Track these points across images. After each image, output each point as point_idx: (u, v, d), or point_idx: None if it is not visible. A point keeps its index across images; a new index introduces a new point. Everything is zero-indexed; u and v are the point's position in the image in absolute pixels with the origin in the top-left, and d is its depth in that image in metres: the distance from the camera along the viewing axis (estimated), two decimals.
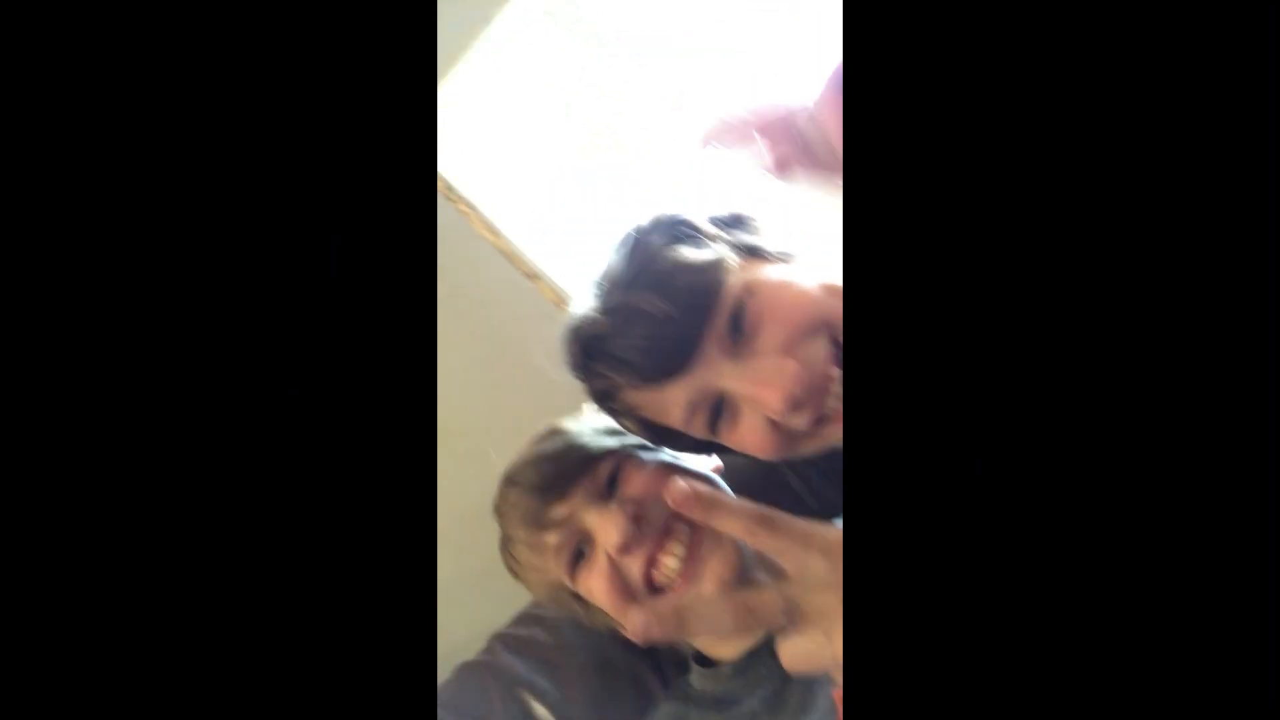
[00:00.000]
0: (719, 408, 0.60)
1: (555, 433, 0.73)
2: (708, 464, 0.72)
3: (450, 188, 1.11)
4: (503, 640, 0.88)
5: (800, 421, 0.58)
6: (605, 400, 0.65)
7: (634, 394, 0.61)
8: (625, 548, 0.63)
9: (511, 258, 1.09)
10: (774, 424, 0.58)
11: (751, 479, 0.72)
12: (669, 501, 0.45)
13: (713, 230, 0.62)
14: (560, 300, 1.07)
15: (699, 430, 0.61)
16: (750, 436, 0.60)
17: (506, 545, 0.73)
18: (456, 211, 1.11)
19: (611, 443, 0.69)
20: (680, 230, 0.62)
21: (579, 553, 0.67)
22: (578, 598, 0.70)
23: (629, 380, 0.60)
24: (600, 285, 0.63)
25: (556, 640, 0.85)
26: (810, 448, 0.61)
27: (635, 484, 0.66)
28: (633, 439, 0.69)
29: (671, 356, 0.58)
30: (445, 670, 0.89)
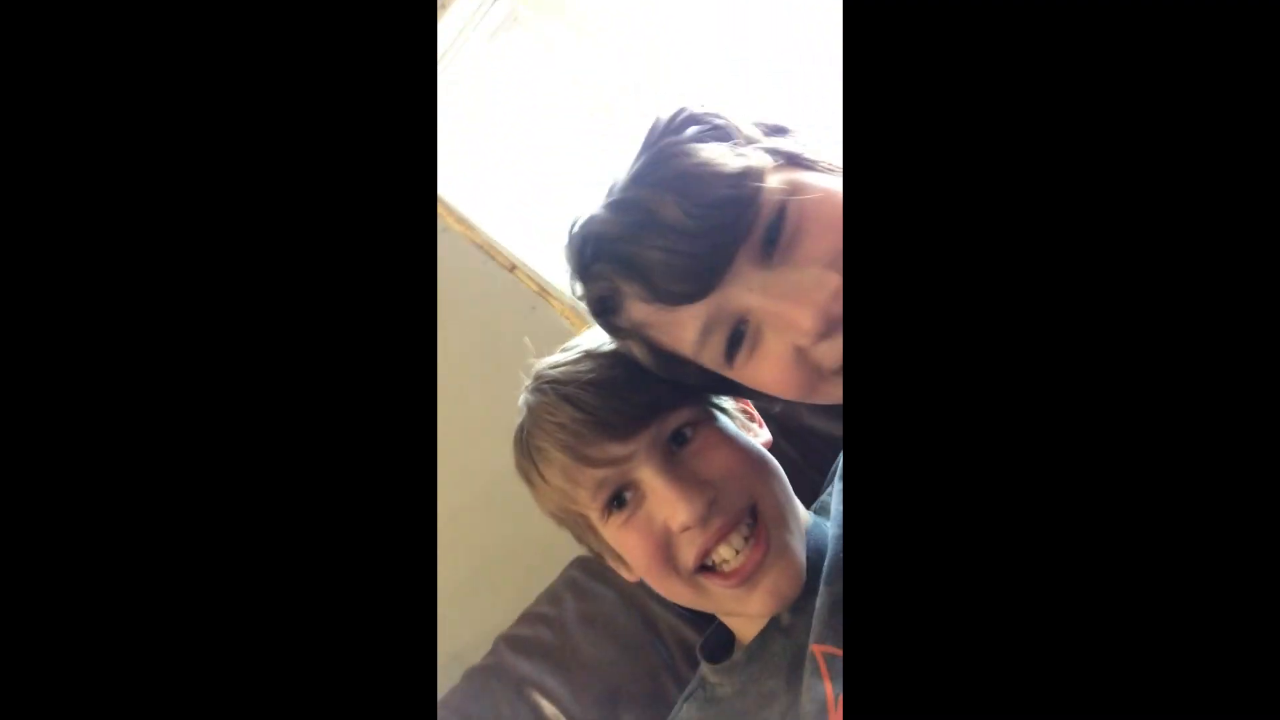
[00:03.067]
0: (739, 333, 0.51)
1: (617, 356, 0.62)
2: (760, 437, 0.68)
3: None
4: (508, 641, 0.86)
5: (830, 355, 0.50)
6: (607, 312, 0.56)
7: (641, 308, 0.53)
8: (686, 529, 0.58)
9: (489, 249, 1.06)
10: (800, 355, 0.50)
11: None
12: None
13: (750, 131, 0.53)
14: (543, 290, 1.04)
15: (711, 359, 0.53)
16: (770, 368, 0.52)
17: (533, 454, 0.64)
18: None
19: (686, 388, 0.60)
20: (712, 126, 0.53)
21: (619, 498, 0.60)
22: (593, 529, 0.64)
23: (638, 292, 0.52)
24: (613, 182, 0.55)
25: (563, 639, 0.83)
26: (833, 394, 0.53)
27: (713, 462, 0.60)
28: (706, 389, 0.61)
29: (692, 279, 0.49)
30: (452, 677, 0.87)
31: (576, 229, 0.56)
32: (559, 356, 0.66)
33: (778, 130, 0.55)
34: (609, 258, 0.53)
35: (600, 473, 0.59)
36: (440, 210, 1.05)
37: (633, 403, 0.59)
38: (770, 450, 0.66)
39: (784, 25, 1.13)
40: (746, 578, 0.59)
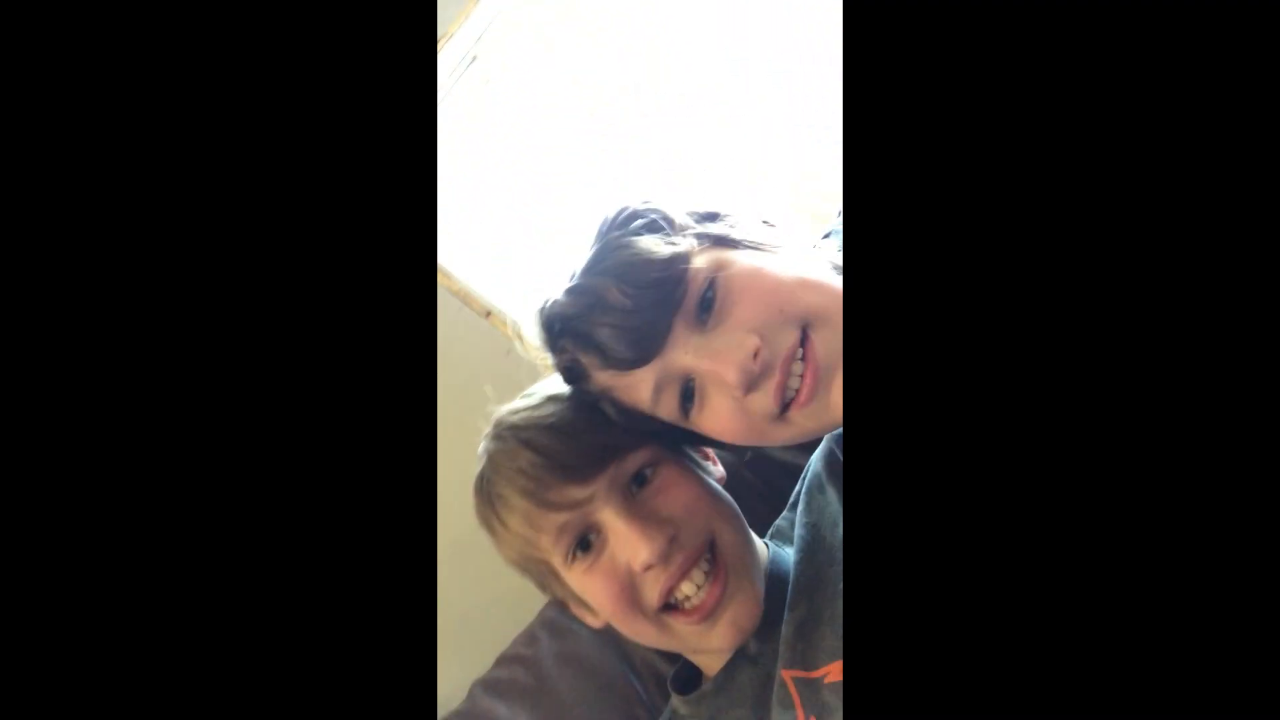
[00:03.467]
0: (689, 389, 0.59)
1: (578, 400, 0.65)
2: (713, 473, 0.70)
3: None
4: (484, 685, 0.85)
5: (761, 404, 0.56)
6: (576, 379, 0.63)
7: (602, 375, 0.60)
8: (649, 568, 0.60)
9: (464, 297, 1.08)
10: (740, 405, 0.57)
11: None
12: None
13: (684, 220, 0.62)
14: (518, 333, 1.06)
15: (668, 413, 0.60)
16: (718, 418, 0.58)
17: (494, 501, 0.66)
18: None
19: (648, 431, 0.63)
20: (649, 220, 0.61)
21: (584, 542, 0.62)
22: (556, 576, 0.65)
23: (594, 361, 0.60)
24: (573, 270, 0.63)
25: (539, 679, 0.82)
26: (782, 435, 0.59)
27: (673, 499, 0.63)
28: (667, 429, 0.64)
29: (636, 347, 0.58)
30: None
31: (544, 311, 0.63)
32: (519, 403, 0.68)
33: (709, 217, 0.63)
34: (569, 335, 0.60)
35: (561, 517, 0.61)
36: None
37: (592, 445, 0.62)
38: (736, 480, 0.70)
39: (784, 25, 1.17)
40: (708, 614, 0.61)
